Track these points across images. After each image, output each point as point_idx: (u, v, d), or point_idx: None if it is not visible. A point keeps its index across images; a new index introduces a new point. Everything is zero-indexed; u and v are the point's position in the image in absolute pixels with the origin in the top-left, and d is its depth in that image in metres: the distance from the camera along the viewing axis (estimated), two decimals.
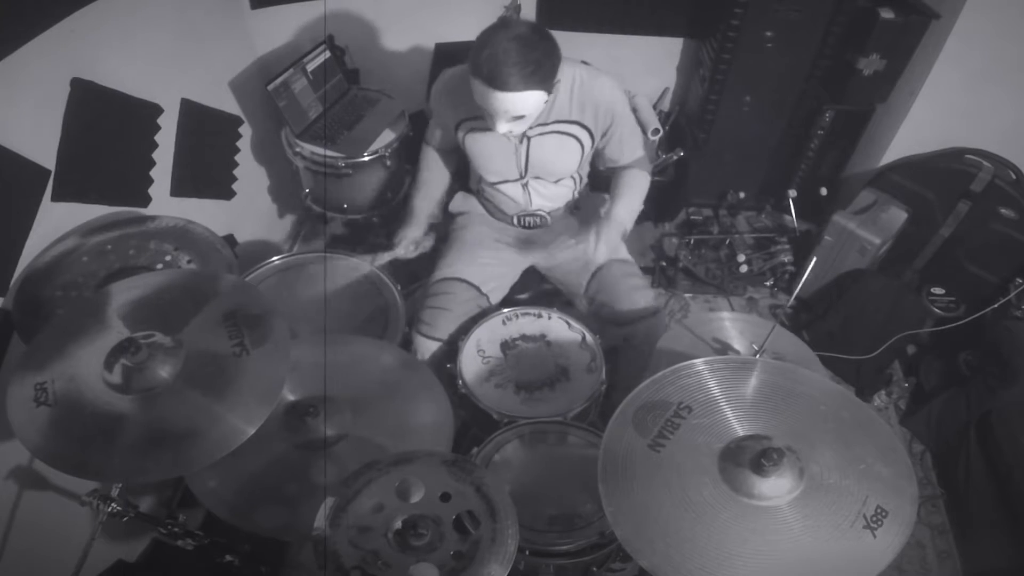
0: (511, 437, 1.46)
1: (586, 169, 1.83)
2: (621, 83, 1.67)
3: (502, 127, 1.48)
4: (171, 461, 1.08)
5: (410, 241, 1.79)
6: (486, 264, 1.83)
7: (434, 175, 1.88)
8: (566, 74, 1.58)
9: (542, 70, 1.40)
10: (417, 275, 2.08)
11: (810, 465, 1.08)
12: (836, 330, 2.28)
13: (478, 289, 1.78)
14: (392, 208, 2.25)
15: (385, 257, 1.80)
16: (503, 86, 1.37)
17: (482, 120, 1.61)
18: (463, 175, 1.99)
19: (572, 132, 1.64)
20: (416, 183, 1.89)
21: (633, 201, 1.73)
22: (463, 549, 0.99)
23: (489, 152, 1.69)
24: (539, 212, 1.83)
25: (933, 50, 2.10)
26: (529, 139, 1.64)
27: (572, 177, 1.77)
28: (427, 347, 1.73)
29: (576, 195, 1.84)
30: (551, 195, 1.79)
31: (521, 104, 1.42)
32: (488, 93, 1.40)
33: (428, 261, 1.89)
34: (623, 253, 1.82)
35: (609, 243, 1.64)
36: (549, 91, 1.46)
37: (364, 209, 2.23)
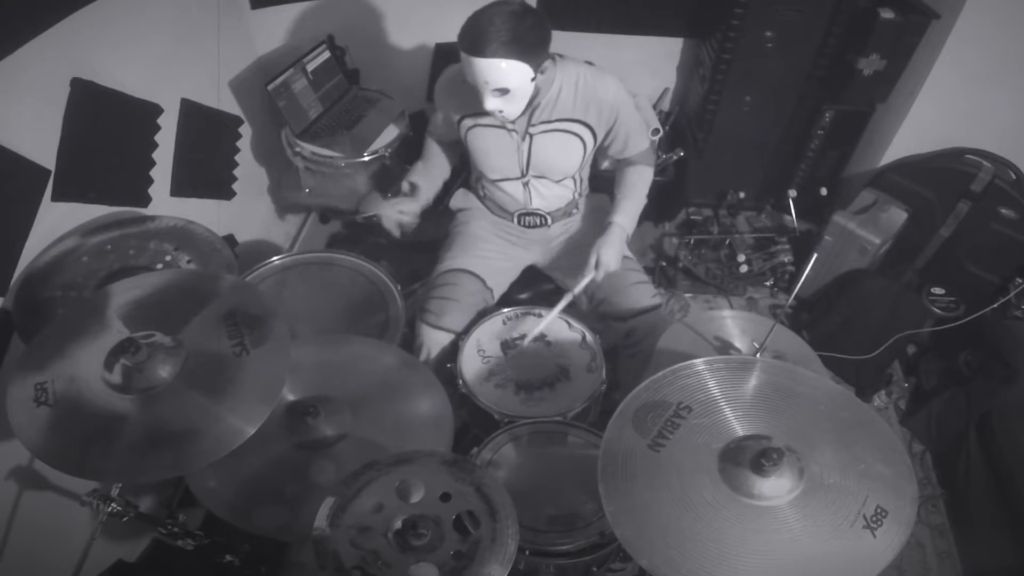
0: (511, 437, 1.46)
1: (587, 170, 1.83)
2: (623, 83, 1.67)
3: (489, 102, 1.47)
4: (171, 461, 1.08)
5: (406, 211, 1.73)
6: (489, 257, 1.83)
7: (436, 159, 1.87)
8: (570, 72, 1.59)
9: (522, 41, 1.39)
10: (418, 274, 2.08)
11: (810, 465, 1.07)
12: (836, 330, 2.28)
13: (483, 282, 1.78)
14: None
15: (370, 208, 1.74)
16: (480, 51, 1.38)
17: (485, 116, 1.61)
18: (466, 172, 1.99)
19: (575, 131, 1.64)
20: (417, 163, 1.86)
21: (636, 204, 1.75)
22: (463, 549, 0.99)
23: (491, 148, 1.69)
24: (539, 211, 1.83)
25: (933, 50, 2.10)
26: (532, 136, 1.64)
27: (573, 178, 1.77)
28: (433, 337, 1.73)
29: (576, 196, 1.84)
30: (551, 195, 1.79)
31: (501, 74, 1.41)
32: (468, 61, 1.41)
33: (429, 259, 1.89)
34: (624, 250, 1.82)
35: (615, 253, 1.66)
36: (535, 68, 1.45)
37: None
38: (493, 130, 1.64)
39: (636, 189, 1.75)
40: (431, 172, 1.85)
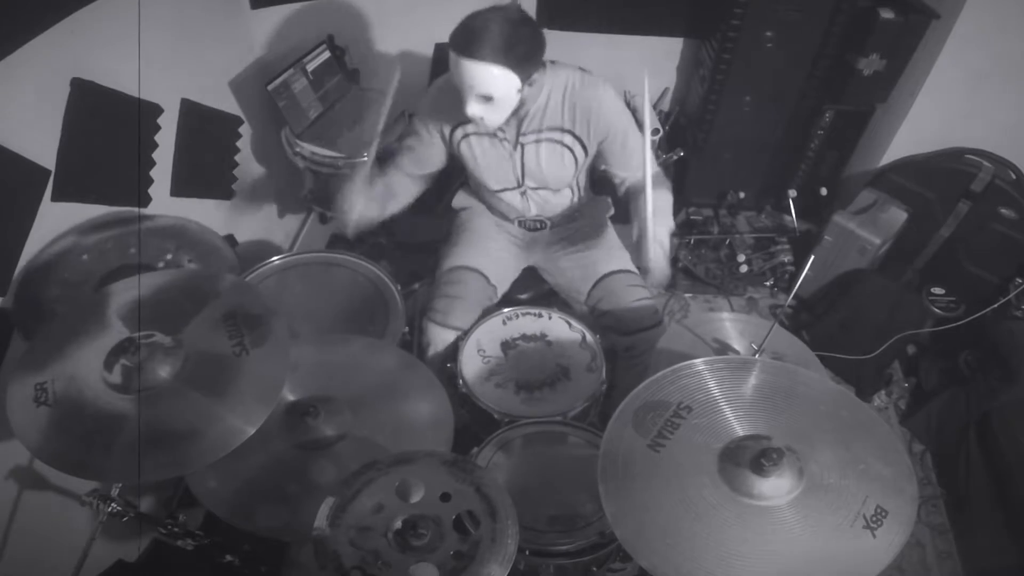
0: (511, 437, 1.46)
1: (584, 179, 1.80)
2: (620, 91, 1.63)
3: (471, 108, 1.44)
4: (171, 461, 1.08)
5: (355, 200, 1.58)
6: (493, 253, 1.82)
7: (400, 190, 1.74)
8: (560, 79, 1.54)
9: (515, 49, 1.36)
10: (418, 274, 2.08)
11: (810, 465, 1.07)
12: (836, 330, 2.28)
13: (487, 279, 1.78)
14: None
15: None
16: (470, 53, 1.35)
17: (476, 125, 1.59)
18: (464, 174, 1.98)
19: (564, 142, 1.60)
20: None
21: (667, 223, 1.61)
22: (463, 549, 0.99)
23: (484, 157, 1.66)
24: (539, 217, 1.82)
25: (933, 50, 2.10)
26: (523, 146, 1.62)
27: (571, 187, 1.76)
28: (441, 336, 1.72)
29: (575, 202, 1.82)
30: (550, 204, 1.78)
31: (487, 80, 1.38)
32: (456, 62, 1.38)
33: (428, 259, 1.89)
34: (627, 264, 1.81)
35: (660, 268, 1.52)
36: (522, 79, 1.41)
37: None
38: (486, 139, 1.62)
39: (664, 212, 1.60)
40: (388, 188, 1.70)
